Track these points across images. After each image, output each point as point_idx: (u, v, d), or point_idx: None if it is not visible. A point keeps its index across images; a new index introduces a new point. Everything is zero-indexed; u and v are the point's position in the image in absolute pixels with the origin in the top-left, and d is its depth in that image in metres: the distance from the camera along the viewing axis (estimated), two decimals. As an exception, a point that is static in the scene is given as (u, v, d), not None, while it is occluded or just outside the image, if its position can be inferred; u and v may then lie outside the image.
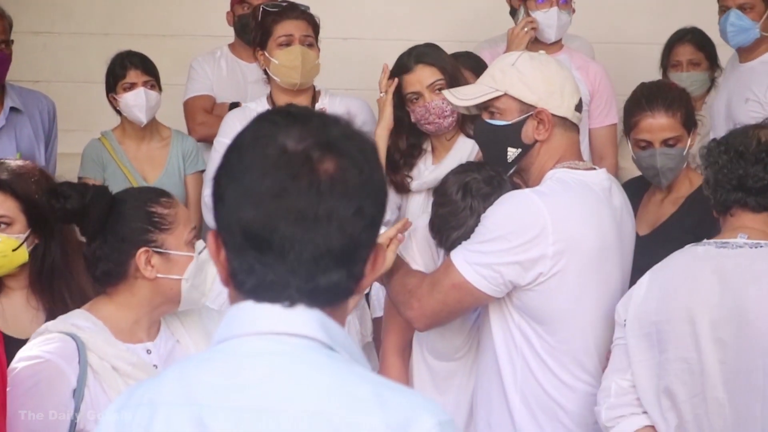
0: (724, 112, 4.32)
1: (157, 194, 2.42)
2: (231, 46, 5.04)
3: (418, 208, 3.48)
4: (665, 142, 3.25)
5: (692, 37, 4.76)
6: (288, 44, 3.76)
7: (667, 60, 4.79)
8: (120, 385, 2.27)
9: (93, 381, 2.29)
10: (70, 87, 5.81)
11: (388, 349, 2.83)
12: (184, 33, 5.75)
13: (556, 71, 2.63)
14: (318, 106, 3.89)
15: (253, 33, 3.90)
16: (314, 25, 3.84)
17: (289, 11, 3.80)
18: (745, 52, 4.34)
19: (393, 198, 3.55)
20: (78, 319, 2.37)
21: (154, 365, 2.37)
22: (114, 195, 2.40)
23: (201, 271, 2.38)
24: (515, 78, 2.59)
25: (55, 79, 5.87)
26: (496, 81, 2.62)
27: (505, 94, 2.60)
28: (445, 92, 2.73)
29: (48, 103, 4.61)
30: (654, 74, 4.83)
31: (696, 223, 3.24)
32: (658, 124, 3.25)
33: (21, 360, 2.32)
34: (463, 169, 2.72)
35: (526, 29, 4.10)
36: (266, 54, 3.78)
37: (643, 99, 3.34)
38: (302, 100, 3.83)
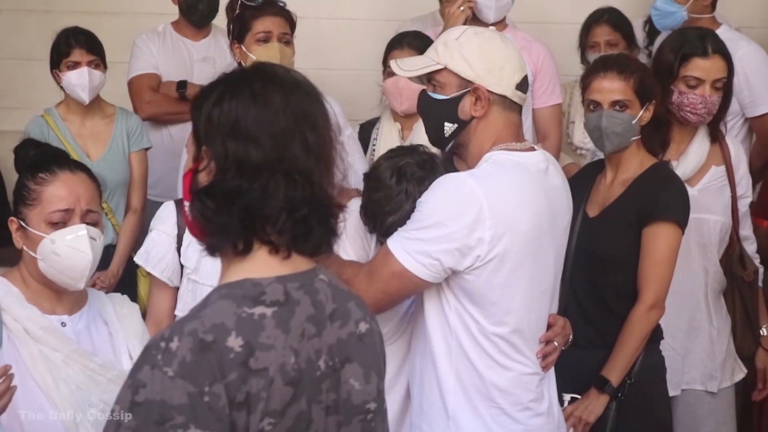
0: None
1: (41, 168, 2.42)
2: (174, 24, 5.00)
3: None
4: (614, 105, 3.27)
5: (609, 18, 4.82)
6: (266, 40, 3.75)
7: (585, 41, 4.85)
8: (32, 347, 2.33)
9: (7, 340, 2.34)
10: (11, 64, 5.74)
11: None
12: (126, 10, 5.71)
13: (498, 48, 2.60)
14: None
15: (230, 25, 3.87)
16: (292, 22, 3.84)
17: (268, 7, 3.79)
18: None
19: None
20: None
21: (68, 337, 2.41)
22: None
23: (59, 257, 2.38)
24: (456, 53, 2.58)
25: (-4, 57, 5.82)
26: (438, 54, 2.61)
27: (445, 68, 2.59)
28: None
29: None
30: (573, 54, 4.89)
31: (640, 204, 3.26)
32: (608, 84, 3.28)
33: None
34: (395, 153, 2.67)
35: (462, 8, 4.09)
36: (243, 48, 3.77)
37: (600, 63, 3.39)
38: None
